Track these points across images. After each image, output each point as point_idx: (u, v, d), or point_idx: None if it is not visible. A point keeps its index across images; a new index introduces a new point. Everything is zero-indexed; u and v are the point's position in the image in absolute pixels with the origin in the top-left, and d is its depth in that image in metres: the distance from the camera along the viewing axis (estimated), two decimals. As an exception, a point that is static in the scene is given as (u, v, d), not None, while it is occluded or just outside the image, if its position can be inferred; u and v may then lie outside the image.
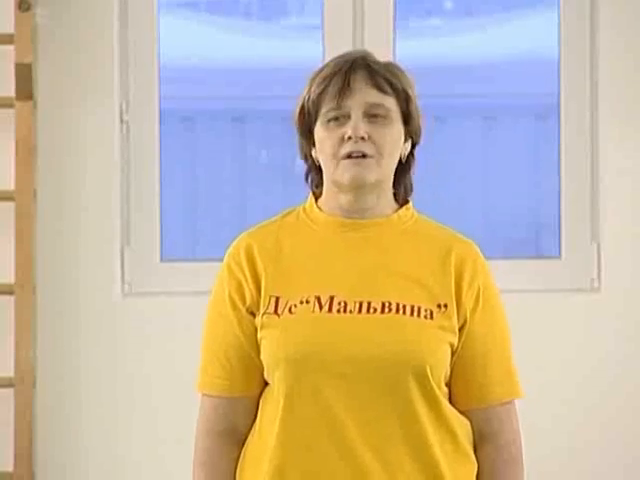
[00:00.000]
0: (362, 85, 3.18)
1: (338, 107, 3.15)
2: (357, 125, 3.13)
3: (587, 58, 6.44)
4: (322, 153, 3.21)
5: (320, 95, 3.18)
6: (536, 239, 6.77)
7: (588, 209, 6.38)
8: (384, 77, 3.16)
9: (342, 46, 5.72)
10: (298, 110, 3.22)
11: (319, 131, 3.21)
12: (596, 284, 6.20)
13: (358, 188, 3.20)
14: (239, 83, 6.69)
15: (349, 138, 3.09)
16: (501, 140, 6.80)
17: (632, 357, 6.29)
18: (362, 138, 3.13)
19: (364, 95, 3.17)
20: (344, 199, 3.25)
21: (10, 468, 6.01)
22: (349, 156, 3.10)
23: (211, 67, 6.70)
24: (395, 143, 3.27)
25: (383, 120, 3.16)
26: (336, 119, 3.13)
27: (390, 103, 3.18)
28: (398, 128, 3.22)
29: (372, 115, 3.12)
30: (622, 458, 6.28)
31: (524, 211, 6.77)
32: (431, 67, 6.40)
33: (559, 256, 6.34)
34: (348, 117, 3.15)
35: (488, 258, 3.13)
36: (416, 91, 3.27)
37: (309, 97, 3.23)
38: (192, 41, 6.76)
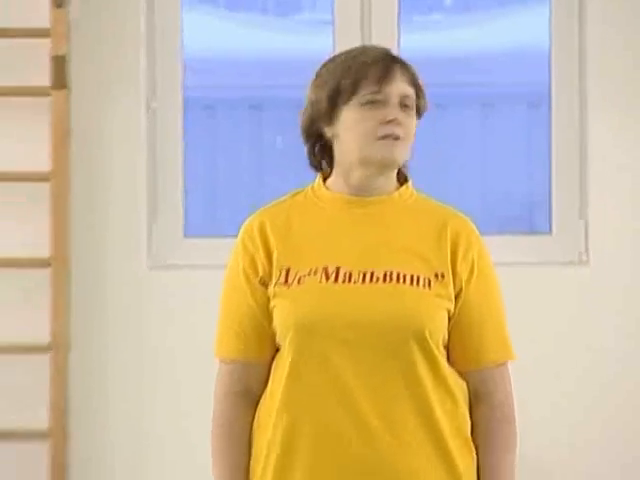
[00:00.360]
0: (398, 77, 3.21)
1: (379, 92, 3.17)
2: (397, 111, 3.18)
3: (576, 50, 6.37)
4: (353, 132, 3.19)
5: (360, 78, 3.18)
6: (529, 216, 6.71)
7: (577, 189, 6.31)
8: (411, 73, 3.24)
9: (351, 40, 5.94)
10: (328, 88, 3.20)
11: (353, 111, 3.19)
12: (584, 258, 6.18)
13: (385, 167, 3.22)
14: (256, 74, 6.56)
15: (388, 121, 3.13)
16: (497, 126, 6.75)
17: (619, 325, 6.20)
18: (399, 123, 3.18)
19: (399, 86, 3.21)
20: (358, 176, 3.24)
21: (46, 425, 6.01)
22: (385, 137, 3.13)
23: (230, 59, 6.61)
24: (414, 130, 3.34)
25: (410, 110, 3.23)
26: (372, 103, 3.14)
27: (413, 96, 3.25)
28: (415, 118, 3.29)
29: (404, 105, 3.19)
30: (615, 422, 6.20)
31: (518, 191, 6.67)
32: (432, 59, 6.31)
33: (550, 232, 6.31)
34: (383, 103, 3.17)
35: (484, 234, 3.15)
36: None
37: (347, 78, 3.20)
38: (213, 35, 6.72)
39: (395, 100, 3.25)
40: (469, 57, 6.58)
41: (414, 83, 3.28)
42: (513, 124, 6.74)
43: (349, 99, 3.28)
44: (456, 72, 6.45)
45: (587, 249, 6.17)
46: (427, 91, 3.34)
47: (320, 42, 6.39)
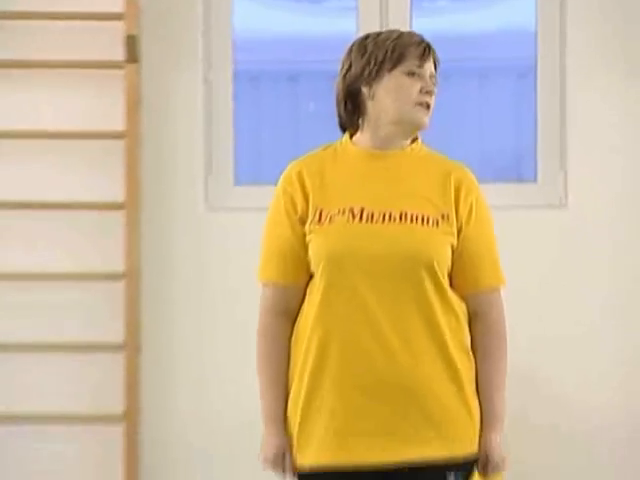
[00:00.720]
0: (431, 58, 3.60)
1: (420, 66, 3.52)
2: (430, 84, 3.54)
3: (557, 28, 6.74)
4: (394, 95, 3.52)
5: (406, 52, 3.53)
6: (517, 167, 7.10)
7: (557, 144, 6.70)
8: (436, 56, 3.62)
9: (372, 23, 6.51)
10: (376, 54, 3.55)
11: (397, 77, 3.51)
12: (564, 202, 6.55)
13: (415, 129, 3.60)
14: (292, 51, 7.01)
15: (427, 92, 3.50)
16: (492, 93, 7.20)
17: (593, 257, 6.59)
18: (432, 94, 3.56)
19: (431, 65, 3.59)
20: (386, 133, 3.56)
21: (122, 339, 6.35)
22: (421, 104, 3.52)
23: (271, 38, 7.02)
24: (428, 109, 3.66)
25: (435, 86, 3.60)
26: (414, 74, 3.50)
27: (435, 74, 3.67)
28: (430, 95, 3.60)
29: (432, 82, 3.57)
30: (590, 355, 6.49)
31: (508, 146, 7.10)
32: (439, 37, 6.52)
33: (535, 180, 6.72)
34: (421, 76, 3.52)
35: (480, 181, 3.55)
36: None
37: (395, 50, 3.55)
38: (257, 18, 7.05)
39: (428, 76, 3.60)
40: (469, 36, 6.98)
41: (435, 64, 3.65)
42: (505, 91, 7.14)
43: (394, 67, 3.56)
44: (458, 49, 6.67)
45: (566, 195, 6.55)
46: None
47: (345, 25, 6.72)
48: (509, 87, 7.18)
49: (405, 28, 6.54)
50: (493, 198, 3.88)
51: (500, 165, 6.93)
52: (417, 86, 3.55)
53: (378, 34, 3.74)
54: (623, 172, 6.73)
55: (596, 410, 6.48)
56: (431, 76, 3.64)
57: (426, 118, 3.63)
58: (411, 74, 3.54)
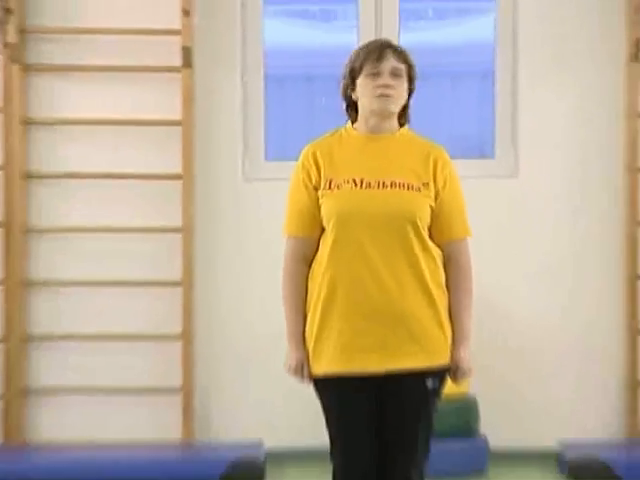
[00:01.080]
0: (390, 56, 3.99)
1: (376, 67, 3.95)
2: (387, 79, 3.98)
3: (510, 41, 7.44)
4: (363, 94, 4.02)
5: (365, 60, 3.99)
6: (480, 147, 7.74)
7: (510, 130, 7.47)
8: (402, 54, 4.03)
9: (369, 37, 6.57)
10: (349, 68, 4.02)
11: (363, 80, 3.99)
12: (515, 173, 7.35)
13: (383, 115, 4.04)
14: (309, 58, 7.72)
15: (381, 85, 3.96)
16: (461, 90, 8.03)
17: (536, 215, 7.42)
18: (389, 86, 4.00)
19: (391, 62, 3.97)
20: (372, 122, 4.05)
21: (180, 276, 7.15)
22: (379, 96, 3.97)
23: (293, 48, 7.84)
24: (404, 92, 4.08)
25: (400, 78, 4.00)
26: (372, 74, 3.94)
27: (403, 69, 4.01)
28: (405, 83, 4.05)
29: (394, 74, 3.99)
30: (533, 288, 7.31)
31: (473, 131, 7.90)
32: (421, 49, 6.76)
33: (493, 157, 7.49)
34: (379, 74, 3.96)
35: (452, 157, 3.95)
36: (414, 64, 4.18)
37: (358, 61, 4.02)
38: (282, 33, 7.87)
39: (387, 72, 3.99)
40: (443, 47, 7.71)
41: (405, 60, 4.02)
42: (471, 89, 8.00)
43: (359, 73, 4.00)
44: (435, 57, 7.34)
45: (517, 168, 7.36)
46: (417, 67, 4.08)
47: (349, 38, 7.35)
48: (474, 86, 7.95)
49: (394, 40, 7.10)
50: (461, 170, 4.16)
51: (467, 145, 7.57)
52: (375, 83, 3.98)
53: (358, 48, 4.21)
54: (560, 150, 7.45)
55: (539, 330, 7.25)
56: (394, 69, 4.03)
57: (387, 104, 4.04)
58: (371, 75, 3.99)
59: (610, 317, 7.42)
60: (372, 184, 4.01)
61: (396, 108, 4.06)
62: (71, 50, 7.29)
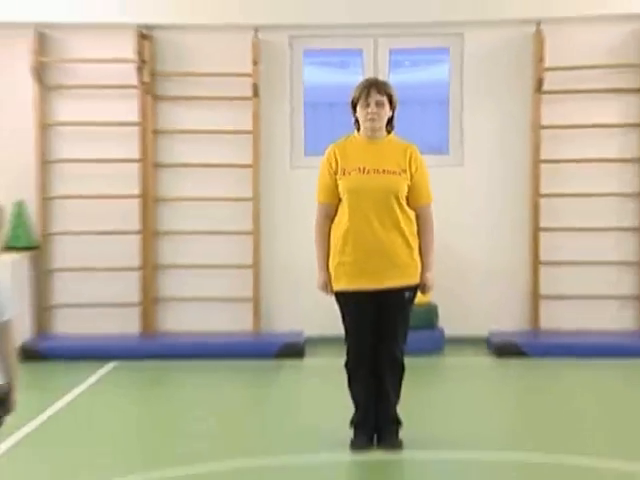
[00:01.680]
0: (374, 94, 4.90)
1: (366, 100, 4.87)
2: (373, 108, 4.90)
3: (459, 79, 8.40)
4: (360, 116, 4.95)
5: (359, 97, 4.91)
6: (440, 147, 8.60)
7: (458, 136, 8.47)
8: (382, 89, 4.96)
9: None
10: (352, 100, 4.94)
11: (359, 109, 4.95)
12: (461, 163, 8.45)
13: (372, 131, 4.91)
14: (331, 91, 8.63)
15: (369, 113, 4.87)
16: (428, 111, 8.86)
17: (474, 191, 8.44)
18: (374, 113, 4.90)
19: (375, 97, 4.88)
20: (368, 133, 4.93)
21: (250, 228, 8.18)
22: (368, 120, 4.91)
23: (322, 85, 8.79)
24: (386, 114, 4.94)
25: (382, 106, 4.91)
26: (364, 106, 4.88)
27: (384, 99, 4.91)
28: (387, 109, 4.95)
29: (378, 104, 4.89)
30: (476, 234, 8.32)
31: (436, 137, 8.65)
32: (402, 84, 7.63)
33: (448, 153, 8.52)
34: (368, 105, 4.87)
35: (422, 152, 5.04)
36: (396, 93, 5.03)
37: (356, 96, 4.94)
38: (315, 75, 8.83)
39: (373, 104, 4.89)
40: (416, 84, 8.69)
41: (385, 92, 4.95)
42: (434, 110, 8.84)
43: (357, 104, 4.92)
44: (412, 89, 8.34)
45: (463, 160, 8.44)
46: (399, 96, 5.08)
47: (356, 79, 6.73)
48: (435, 109, 8.90)
49: (384, 77, 7.48)
50: (428, 161, 5.25)
51: (432, 146, 8.39)
52: (365, 112, 4.94)
53: (356, 85, 5.14)
54: (489, 149, 8.44)
55: (476, 259, 8.38)
56: (377, 102, 4.96)
57: (373, 125, 4.98)
58: (363, 106, 4.93)
59: (520, 250, 8.46)
60: (370, 171, 4.96)
61: (380, 125, 4.98)
62: (182, 86, 8.38)
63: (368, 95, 4.81)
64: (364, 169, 4.90)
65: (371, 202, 4.87)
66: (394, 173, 4.89)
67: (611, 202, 8.26)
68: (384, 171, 4.90)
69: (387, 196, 4.84)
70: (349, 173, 4.90)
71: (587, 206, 8.24)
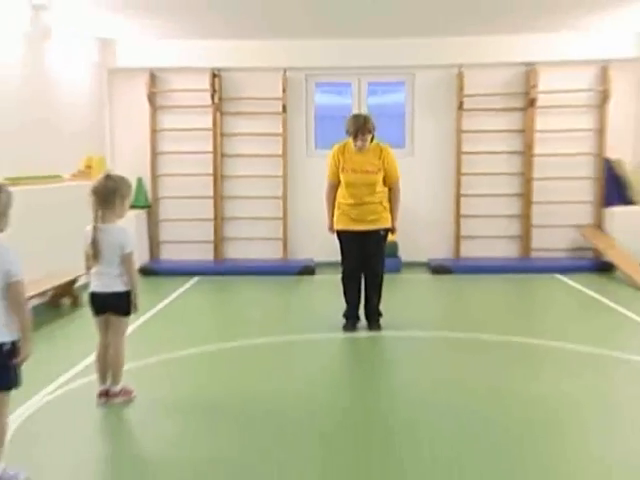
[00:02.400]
0: (360, 135, 5.32)
1: (356, 136, 5.32)
2: (363, 142, 5.35)
3: (410, 103, 9.03)
4: (352, 142, 5.38)
5: (352, 133, 5.32)
6: (400, 144, 8.84)
7: (410, 137, 9.07)
8: (366, 128, 5.32)
9: (356, 101, 8.93)
10: (346, 129, 5.37)
11: (352, 139, 5.35)
12: (412, 154, 8.98)
13: (360, 150, 5.32)
14: (332, 109, 9.09)
15: (359, 142, 5.31)
16: (393, 123, 9.06)
17: (422, 173, 8.93)
18: (362, 145, 5.36)
19: (361, 137, 5.32)
20: (357, 149, 5.37)
21: (281, 194, 8.68)
22: (358, 147, 5.34)
23: (326, 105, 9.22)
24: (368, 141, 5.32)
25: (366, 137, 5.34)
26: (355, 137, 5.32)
27: (367, 136, 5.32)
28: (369, 137, 5.33)
29: (364, 140, 5.35)
30: (420, 203, 8.73)
31: (399, 138, 8.95)
32: (376, 105, 8.72)
33: (404, 147, 8.96)
34: (356, 137, 5.33)
35: (391, 146, 5.58)
36: (374, 121, 5.45)
37: (349, 130, 5.34)
38: (322, 98, 9.24)
39: (360, 140, 5.32)
40: (386, 104, 9.23)
41: (368, 130, 5.30)
42: (397, 122, 9.11)
43: (349, 135, 5.34)
44: (382, 108, 8.88)
45: (413, 152, 8.99)
46: (373, 114, 5.75)
47: (348, 100, 8.84)
48: (397, 120, 9.13)
49: (364, 103, 8.39)
50: (395, 153, 5.69)
51: (395, 143, 7.91)
52: (355, 142, 5.38)
53: (351, 116, 5.54)
54: (430, 146, 9.02)
55: (422, 213, 8.92)
56: (362, 139, 5.32)
57: (361, 149, 5.37)
58: (354, 139, 5.37)
59: (449, 208, 9.03)
60: (358, 171, 5.46)
61: (365, 146, 5.39)
62: (238, 105, 9.00)
63: (356, 137, 5.43)
64: (355, 170, 5.49)
65: (359, 188, 5.51)
66: (373, 172, 5.48)
67: (504, 178, 8.95)
68: (367, 171, 5.49)
69: (368, 185, 5.49)
70: (347, 171, 5.52)
71: (490, 181, 8.88)
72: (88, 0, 6.43)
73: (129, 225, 4.46)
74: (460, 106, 8.71)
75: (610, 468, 3.22)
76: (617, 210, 8.70)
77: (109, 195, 3.90)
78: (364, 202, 5.36)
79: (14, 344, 2.90)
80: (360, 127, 5.33)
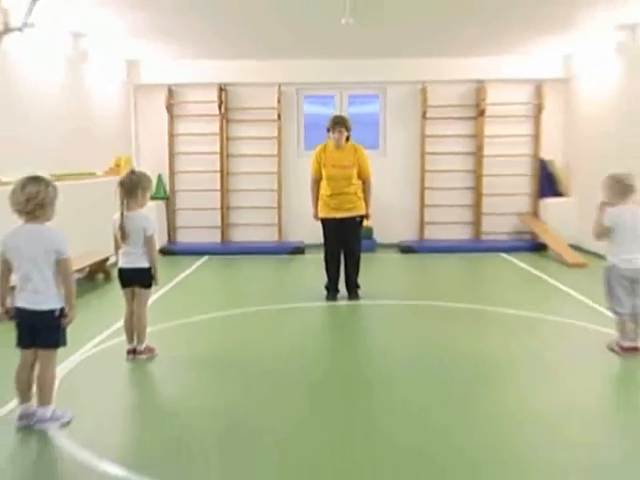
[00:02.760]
0: (338, 128, 5.21)
1: (333, 129, 5.19)
2: (339, 135, 5.22)
3: (383, 113, 8.92)
4: (331, 137, 5.24)
5: (330, 128, 5.21)
6: (375, 145, 8.77)
7: (383, 140, 8.97)
8: (343, 124, 5.22)
9: (338, 110, 8.65)
10: (327, 127, 5.24)
11: (331, 133, 5.24)
12: (384, 155, 8.86)
13: (338, 145, 5.17)
14: (318, 117, 8.64)
15: (336, 137, 5.19)
16: (368, 129, 8.80)
17: (391, 168, 8.76)
18: (339, 138, 5.21)
19: (340, 128, 5.21)
20: (335, 144, 5.21)
21: (276, 188, 8.41)
22: (335, 140, 5.19)
23: (313, 114, 9.00)
24: (344, 136, 5.19)
25: (342, 132, 5.20)
26: (333, 130, 5.20)
27: (343, 129, 5.20)
28: (345, 133, 5.20)
29: (340, 132, 5.21)
30: (390, 189, 8.53)
31: (373, 141, 8.79)
32: (355, 113, 8.23)
33: (378, 148, 8.85)
34: (334, 131, 5.19)
35: (365, 148, 5.50)
36: (351, 121, 5.39)
37: (329, 127, 5.23)
38: (309, 108, 9.09)
39: (337, 133, 5.19)
40: (362, 113, 8.93)
41: (345, 126, 5.20)
42: (371, 128, 8.93)
43: (328, 130, 5.22)
44: (360, 116, 8.34)
45: (385, 153, 8.90)
46: (353, 120, 5.43)
47: (331, 110, 8.55)
48: (372, 127, 8.97)
49: (345, 112, 7.94)
50: (368, 153, 5.59)
51: (371, 145, 8.17)
52: (334, 136, 5.23)
53: (330, 118, 5.37)
54: (399, 148, 8.91)
55: (392, 201, 8.72)
56: (339, 132, 5.19)
57: (338, 143, 5.22)
58: (333, 133, 5.22)
59: (415, 199, 8.95)
60: (337, 166, 5.32)
61: (342, 141, 5.28)
62: (241, 114, 8.85)
63: (334, 129, 5.34)
64: (334, 165, 5.38)
65: (338, 181, 5.39)
66: (349, 167, 5.37)
67: (460, 174, 8.84)
68: (344, 166, 5.36)
69: (346, 178, 5.38)
70: (327, 166, 5.40)
71: (448, 177, 8.85)
72: (118, 28, 6.53)
73: (151, 213, 4.48)
74: (424, 115, 8.71)
75: (543, 404, 3.33)
76: (549, 201, 8.74)
77: (133, 187, 3.92)
78: (342, 193, 5.25)
79: (62, 310, 2.97)
80: (337, 122, 5.26)
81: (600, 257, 5.23)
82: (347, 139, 5.27)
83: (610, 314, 4.24)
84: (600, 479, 2.53)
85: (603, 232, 3.96)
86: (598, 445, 2.81)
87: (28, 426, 2.99)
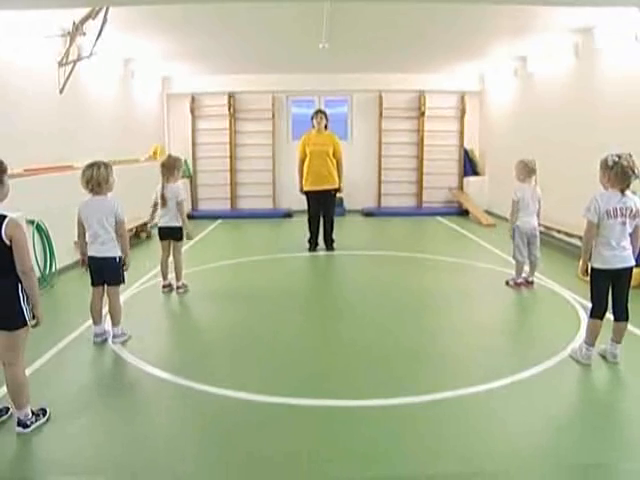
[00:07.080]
0: (318, 115, 5.17)
1: (316, 116, 5.13)
2: (318, 122, 5.13)
3: (350, 113, 8.71)
4: (313, 123, 5.15)
5: (313, 116, 5.15)
6: (345, 137, 8.51)
7: (350, 133, 8.82)
8: (323, 113, 5.22)
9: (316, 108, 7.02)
10: (311, 116, 5.18)
11: (313, 120, 5.15)
12: (352, 144, 8.67)
13: (319, 130, 5.09)
14: (302, 117, 8.12)
15: (317, 123, 5.09)
16: (336, 125, 7.92)
17: (358, 154, 8.44)
18: (319, 123, 5.12)
19: (319, 117, 5.15)
20: (316, 130, 5.10)
21: (270, 168, 8.23)
22: (316, 125, 5.09)
23: (300, 113, 8.60)
24: (324, 122, 5.12)
25: (322, 120, 5.13)
26: (314, 119, 5.13)
27: (323, 117, 5.13)
28: (324, 121, 5.12)
29: (320, 119, 5.12)
30: (359, 169, 8.26)
31: (343, 133, 8.40)
32: (334, 114, 6.83)
33: (347, 139, 8.63)
34: (315, 119, 5.13)
35: (340, 139, 5.55)
36: (329, 115, 5.42)
37: (312, 115, 5.19)
38: (296, 109, 8.69)
39: (317, 119, 5.14)
40: (334, 113, 8.21)
41: (324, 115, 5.16)
42: (341, 124, 8.59)
43: (312, 118, 5.18)
44: (334, 116, 7.51)
45: (353, 143, 8.70)
46: (329, 116, 5.40)
47: (311, 111, 6.12)
48: (342, 124, 8.67)
49: (324, 107, 7.46)
50: (342, 143, 5.64)
51: (342, 136, 7.64)
52: (315, 122, 5.10)
53: (313, 110, 5.44)
54: (363, 138, 8.71)
55: (362, 179, 8.64)
56: (319, 118, 5.10)
57: (319, 128, 5.09)
58: (314, 119, 5.15)
59: (374, 177, 8.79)
60: (318, 144, 5.21)
61: (321, 128, 5.23)
62: (245, 114, 8.57)
63: (316, 116, 5.32)
64: (315, 144, 5.27)
65: (318, 159, 5.28)
66: (327, 146, 5.29)
67: (407, 159, 8.85)
68: (323, 144, 5.27)
69: (324, 157, 5.30)
70: (310, 146, 5.31)
71: (399, 161, 8.79)
72: (156, 54, 6.49)
73: (182, 185, 4.35)
74: (380, 115, 8.72)
75: (461, 321, 3.45)
76: (470, 179, 8.68)
77: (171, 167, 3.97)
78: (320, 169, 5.17)
79: (121, 258, 3.04)
80: (318, 111, 5.33)
81: (505, 219, 5.26)
82: (325, 127, 5.21)
83: (512, 260, 4.30)
84: (488, 365, 2.68)
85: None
86: (494, 348, 2.96)
87: (103, 341, 3.06)
